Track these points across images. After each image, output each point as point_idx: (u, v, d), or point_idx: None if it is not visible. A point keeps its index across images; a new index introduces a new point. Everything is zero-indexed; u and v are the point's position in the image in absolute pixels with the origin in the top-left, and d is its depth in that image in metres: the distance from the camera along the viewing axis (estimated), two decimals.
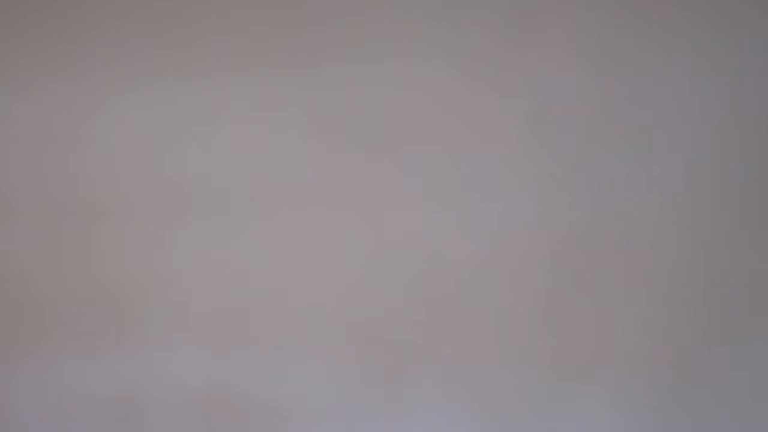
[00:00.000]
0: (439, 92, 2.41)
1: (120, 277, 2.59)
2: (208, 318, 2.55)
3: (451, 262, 2.41)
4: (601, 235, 2.34)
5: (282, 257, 2.51)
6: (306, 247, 2.50)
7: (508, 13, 2.38)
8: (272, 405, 2.51)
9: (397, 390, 2.46)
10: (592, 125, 2.34)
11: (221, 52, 2.54)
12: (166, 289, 2.57)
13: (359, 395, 2.48)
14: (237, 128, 2.54)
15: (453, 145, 2.41)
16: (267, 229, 2.51)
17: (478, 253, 2.40)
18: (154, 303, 2.58)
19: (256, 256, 2.52)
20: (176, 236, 2.56)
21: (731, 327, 2.28)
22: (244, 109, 2.53)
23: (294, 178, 2.50)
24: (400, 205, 2.44)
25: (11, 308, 2.66)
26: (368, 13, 2.45)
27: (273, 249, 2.52)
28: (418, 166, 2.43)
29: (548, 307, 2.37)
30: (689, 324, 2.29)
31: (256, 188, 2.53)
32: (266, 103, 2.52)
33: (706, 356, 2.28)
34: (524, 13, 2.37)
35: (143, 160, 2.58)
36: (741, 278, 2.27)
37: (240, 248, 2.54)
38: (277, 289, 2.51)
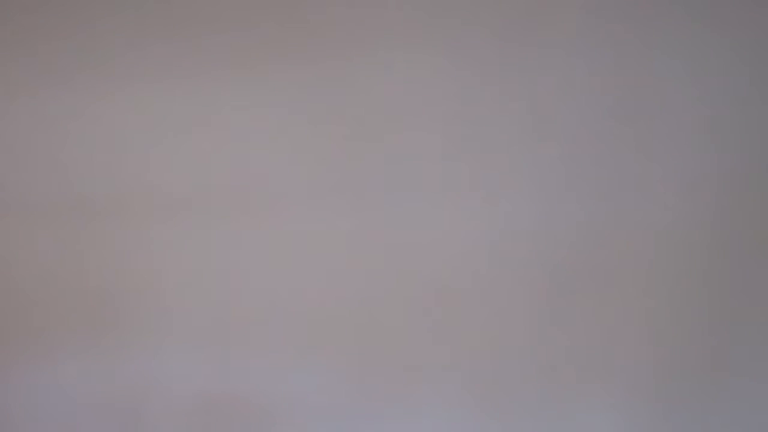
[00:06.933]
0: (440, 92, 2.41)
1: (118, 278, 2.58)
2: (207, 318, 2.54)
3: (451, 262, 2.41)
4: (603, 235, 2.34)
5: (282, 257, 2.51)
6: (306, 247, 2.49)
7: (508, 12, 2.38)
8: (272, 405, 2.51)
9: (397, 389, 2.45)
10: (592, 125, 2.34)
11: (220, 50, 2.53)
12: (165, 290, 2.56)
13: (359, 395, 2.47)
14: (235, 127, 2.53)
15: (453, 145, 2.41)
16: (266, 228, 2.51)
17: (480, 254, 2.40)
18: (152, 303, 2.57)
19: (254, 256, 2.52)
20: (175, 236, 2.55)
21: (733, 330, 2.28)
22: (242, 108, 2.53)
23: (293, 177, 2.50)
24: (400, 205, 2.44)
25: (7, 308, 2.65)
26: (369, 13, 2.45)
27: (272, 248, 2.51)
28: (419, 165, 2.43)
29: (550, 310, 2.37)
30: (691, 327, 2.30)
31: (255, 188, 2.52)
32: (265, 102, 2.51)
33: (708, 359, 2.29)
34: (525, 13, 2.37)
35: (140, 160, 2.58)
36: (743, 281, 2.27)
37: (239, 247, 2.53)
38: (276, 289, 2.50)
